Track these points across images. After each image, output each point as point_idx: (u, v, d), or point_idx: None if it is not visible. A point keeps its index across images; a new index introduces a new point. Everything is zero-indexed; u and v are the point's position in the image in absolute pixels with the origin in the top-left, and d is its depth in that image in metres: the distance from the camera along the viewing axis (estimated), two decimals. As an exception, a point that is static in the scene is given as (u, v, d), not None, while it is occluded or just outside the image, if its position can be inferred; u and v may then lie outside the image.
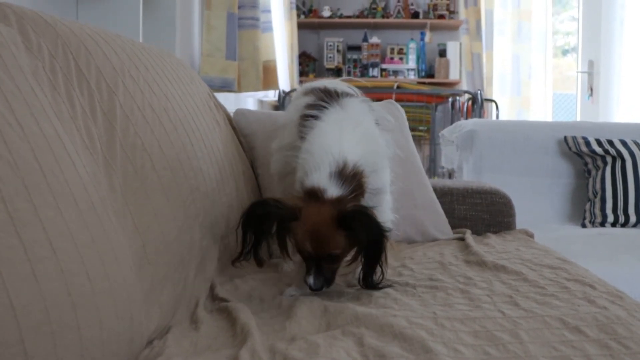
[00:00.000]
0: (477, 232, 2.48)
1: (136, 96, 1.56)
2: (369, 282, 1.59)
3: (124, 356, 1.16)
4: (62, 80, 1.34)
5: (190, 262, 1.57)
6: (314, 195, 1.54)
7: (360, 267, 1.60)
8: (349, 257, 1.61)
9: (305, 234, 1.52)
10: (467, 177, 3.73)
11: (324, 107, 1.74)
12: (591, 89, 6.58)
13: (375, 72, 7.52)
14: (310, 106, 1.80)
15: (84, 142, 1.31)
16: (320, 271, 1.56)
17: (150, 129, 1.54)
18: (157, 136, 1.56)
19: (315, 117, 1.71)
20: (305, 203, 1.54)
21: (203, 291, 1.61)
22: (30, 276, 0.94)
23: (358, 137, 1.66)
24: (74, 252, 1.05)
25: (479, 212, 2.54)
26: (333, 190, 1.54)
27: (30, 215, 0.99)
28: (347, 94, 1.85)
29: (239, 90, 4.22)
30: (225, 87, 4.03)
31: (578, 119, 6.69)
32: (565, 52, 10.02)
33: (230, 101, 4.24)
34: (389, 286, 1.63)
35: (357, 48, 7.63)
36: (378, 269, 1.58)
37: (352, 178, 1.57)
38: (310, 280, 1.55)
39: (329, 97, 1.79)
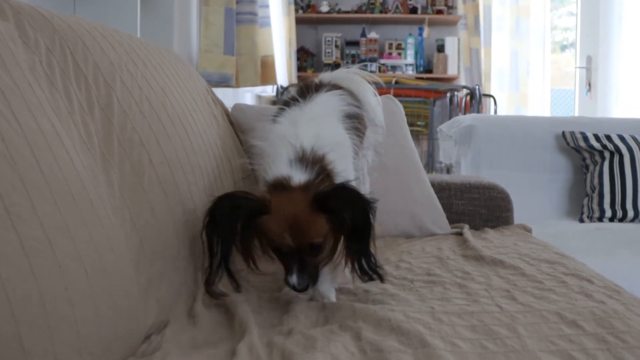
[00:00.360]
0: (475, 227, 2.48)
1: (134, 91, 1.56)
2: (363, 269, 1.44)
3: (121, 351, 1.16)
4: (59, 75, 1.34)
5: (188, 257, 1.57)
6: (279, 186, 1.43)
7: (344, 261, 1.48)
8: (326, 254, 1.48)
9: (282, 224, 1.39)
10: (465, 172, 3.73)
11: (287, 106, 1.67)
12: (589, 85, 6.58)
13: (373, 67, 7.52)
14: (278, 108, 1.76)
15: (82, 137, 1.31)
16: (303, 267, 1.42)
17: (148, 124, 1.54)
18: (154, 131, 1.56)
19: (274, 118, 1.68)
20: (272, 195, 1.42)
21: (201, 286, 1.61)
22: (27, 271, 0.94)
23: (312, 127, 1.54)
24: (71, 247, 1.05)
25: (477, 207, 2.54)
26: (298, 176, 1.43)
27: (27, 211, 0.99)
28: (329, 87, 1.75)
29: (237, 85, 4.22)
30: (223, 83, 4.03)
31: (576, 115, 6.70)
32: (563, 48, 10.02)
33: (229, 96, 4.24)
34: (381, 277, 1.46)
35: (356, 43, 7.63)
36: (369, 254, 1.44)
37: (314, 163, 1.45)
38: (294, 279, 1.41)
39: (301, 93, 1.70)
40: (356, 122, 1.72)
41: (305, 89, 1.72)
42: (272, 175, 1.45)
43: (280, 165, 1.45)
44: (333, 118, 1.65)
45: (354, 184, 1.47)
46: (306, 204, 1.39)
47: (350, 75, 1.96)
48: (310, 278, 1.43)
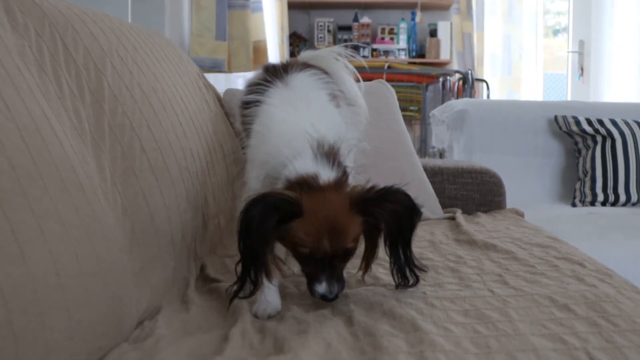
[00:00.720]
0: (467, 212, 2.48)
1: (124, 76, 1.55)
2: (403, 271, 1.39)
3: (114, 337, 1.16)
4: (49, 60, 1.33)
5: (180, 242, 1.57)
6: (305, 184, 1.30)
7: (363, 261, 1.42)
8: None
9: (320, 228, 1.27)
10: (458, 157, 3.73)
11: (264, 88, 1.56)
12: (582, 69, 6.58)
13: (366, 52, 7.50)
14: (248, 90, 1.64)
15: (72, 122, 1.31)
16: (333, 274, 1.31)
17: (139, 109, 1.54)
18: (145, 116, 1.55)
19: (256, 103, 1.54)
20: (302, 195, 1.28)
21: (194, 272, 1.61)
22: (18, 257, 0.94)
23: (317, 114, 1.46)
24: (62, 233, 1.05)
25: (470, 192, 2.55)
26: (326, 174, 1.32)
27: (17, 197, 0.98)
28: (298, 67, 1.65)
29: (229, 70, 4.21)
30: (215, 68, 4.02)
31: (569, 99, 6.70)
32: (556, 32, 10.01)
33: (221, 82, 4.23)
34: (417, 278, 1.42)
35: (348, 28, 7.60)
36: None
37: (334, 157, 1.36)
38: (324, 288, 1.31)
39: (271, 75, 1.61)
40: (337, 103, 1.64)
41: (272, 69, 1.65)
42: (296, 172, 1.32)
43: (306, 160, 1.33)
44: (325, 100, 1.57)
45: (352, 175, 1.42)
46: (344, 206, 1.30)
47: (325, 54, 1.87)
48: (339, 285, 1.33)
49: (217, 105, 2.24)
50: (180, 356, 1.11)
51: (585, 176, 3.49)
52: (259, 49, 4.39)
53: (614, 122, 3.53)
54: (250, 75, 1.75)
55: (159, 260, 1.45)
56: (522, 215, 2.44)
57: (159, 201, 1.49)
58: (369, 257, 1.42)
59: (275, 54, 5.76)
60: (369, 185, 1.33)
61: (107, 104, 1.44)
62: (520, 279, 1.50)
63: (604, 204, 3.44)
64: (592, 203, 3.44)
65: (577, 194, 3.50)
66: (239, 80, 5.21)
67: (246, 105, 1.60)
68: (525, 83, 7.32)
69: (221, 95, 2.38)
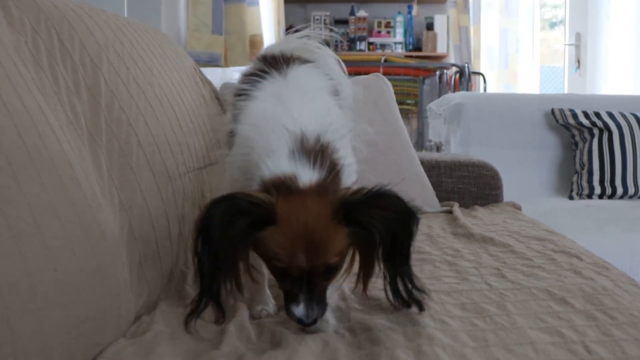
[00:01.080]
0: (464, 205, 2.48)
1: (121, 71, 1.55)
2: (397, 292, 1.20)
3: (111, 332, 1.16)
4: (45, 55, 1.33)
5: (177, 237, 1.57)
6: (282, 187, 1.11)
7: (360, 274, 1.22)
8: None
9: (294, 240, 1.09)
10: (455, 150, 3.73)
11: (258, 79, 1.39)
12: (578, 62, 6.58)
13: (362, 45, 7.50)
14: (244, 80, 1.47)
15: (68, 117, 1.30)
16: (311, 295, 1.13)
17: (135, 104, 1.53)
18: (142, 111, 1.55)
19: (247, 93, 1.38)
20: (277, 199, 1.10)
21: (191, 266, 1.61)
22: (15, 253, 0.94)
23: (308, 106, 1.27)
24: (59, 228, 1.04)
25: (467, 185, 2.55)
26: (306, 174, 1.13)
27: (14, 192, 0.98)
28: (300, 60, 1.49)
29: (226, 65, 4.20)
30: (212, 62, 4.02)
31: (565, 92, 6.70)
32: (552, 25, 10.00)
33: (217, 76, 4.22)
34: (419, 303, 1.22)
35: (344, 22, 7.60)
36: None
37: (321, 154, 1.15)
38: (300, 311, 1.13)
39: (269, 66, 1.43)
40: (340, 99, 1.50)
41: (272, 60, 1.47)
42: (270, 172, 1.14)
43: (280, 158, 1.15)
44: (324, 93, 1.41)
45: (354, 177, 1.27)
46: (325, 215, 1.10)
47: (302, 42, 1.69)
48: (319, 308, 1.14)
49: (214, 99, 2.24)
50: (178, 351, 1.11)
51: (583, 169, 3.49)
52: (256, 43, 4.38)
53: (610, 115, 3.53)
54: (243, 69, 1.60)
55: (156, 255, 1.45)
56: (519, 208, 2.45)
57: (156, 196, 1.49)
58: (365, 275, 1.21)
59: (271, 48, 5.74)
60: (354, 188, 1.14)
61: (103, 99, 1.43)
62: (518, 272, 1.50)
63: (601, 196, 3.44)
64: (590, 196, 3.45)
65: (574, 186, 3.51)
66: (236, 75, 5.20)
67: (238, 95, 1.44)
68: (522, 76, 7.32)
69: (217, 89, 2.38)
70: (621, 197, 3.45)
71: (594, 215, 3.02)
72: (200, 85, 2.12)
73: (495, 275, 1.49)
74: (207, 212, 1.07)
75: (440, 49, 7.49)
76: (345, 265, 1.19)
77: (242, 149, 1.28)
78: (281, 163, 1.14)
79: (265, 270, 1.29)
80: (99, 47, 1.51)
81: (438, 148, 4.20)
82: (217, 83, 2.42)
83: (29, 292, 0.94)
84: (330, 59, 1.69)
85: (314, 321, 1.13)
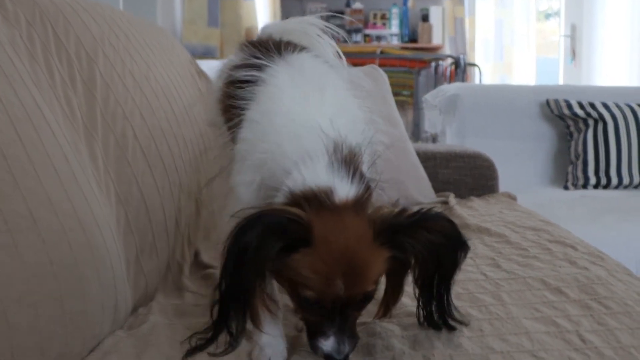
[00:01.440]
0: (460, 196, 2.49)
1: (116, 65, 1.55)
2: (432, 317, 1.11)
3: (108, 324, 1.16)
4: (40, 49, 1.33)
5: (174, 229, 1.57)
6: (315, 201, 0.97)
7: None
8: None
9: (335, 265, 0.95)
10: (451, 141, 3.73)
11: (263, 65, 1.20)
12: (574, 53, 6.58)
13: (358, 37, 7.49)
14: (239, 67, 1.28)
15: (64, 111, 1.30)
16: (344, 326, 0.99)
17: (131, 97, 1.53)
18: (138, 104, 1.55)
19: (252, 82, 1.19)
20: (312, 216, 0.96)
21: (188, 258, 1.62)
22: (11, 247, 0.94)
23: (334, 106, 1.11)
24: (55, 222, 1.05)
25: (462, 176, 2.55)
26: (344, 189, 0.99)
27: (10, 186, 0.99)
28: (295, 47, 1.29)
29: (222, 57, 4.21)
30: (208, 54, 4.02)
31: (561, 83, 6.70)
32: (548, 16, 10.00)
33: (213, 69, 4.22)
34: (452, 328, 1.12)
35: (340, 13, 7.60)
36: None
37: (355, 166, 1.03)
38: (331, 345, 0.98)
39: (263, 51, 1.26)
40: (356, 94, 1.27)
41: (262, 46, 1.30)
42: (303, 183, 0.99)
43: (318, 167, 1.00)
44: (342, 89, 1.22)
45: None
46: (367, 236, 0.98)
47: (304, 26, 1.50)
48: (351, 342, 1.00)
49: (210, 92, 2.24)
50: (174, 342, 1.11)
51: (578, 159, 3.49)
52: (251, 36, 4.38)
53: (605, 106, 3.54)
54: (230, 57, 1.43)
55: (152, 247, 1.45)
56: (514, 199, 2.45)
57: (152, 189, 1.49)
58: (389, 301, 1.13)
59: (267, 40, 5.75)
60: (397, 207, 1.02)
61: (99, 92, 1.43)
62: (513, 262, 1.51)
63: (596, 187, 3.44)
64: (584, 186, 3.45)
65: (570, 177, 3.51)
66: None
67: (236, 84, 1.23)
68: (518, 68, 7.33)
69: (213, 82, 2.38)
70: (616, 187, 3.45)
71: (589, 205, 3.02)
72: (196, 78, 2.12)
73: (490, 265, 1.49)
74: (242, 233, 0.93)
75: (436, 40, 7.49)
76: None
77: (256, 154, 1.10)
78: (319, 173, 1.00)
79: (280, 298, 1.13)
80: (95, 41, 1.51)
81: (434, 139, 4.20)
82: (213, 75, 2.41)
83: (25, 285, 0.95)
84: (329, 48, 1.50)
85: (346, 357, 0.99)
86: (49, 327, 0.98)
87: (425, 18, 7.61)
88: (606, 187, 3.44)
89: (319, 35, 1.49)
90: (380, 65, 3.03)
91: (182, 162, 1.68)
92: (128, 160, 1.44)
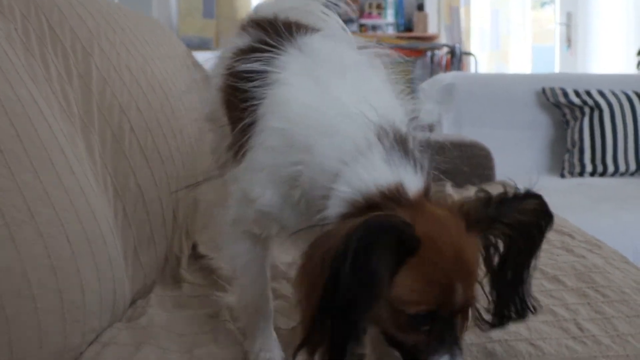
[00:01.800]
0: (457, 185, 2.48)
1: (112, 58, 1.55)
2: (508, 309, 0.98)
3: (106, 317, 1.16)
4: (35, 42, 1.32)
5: (171, 222, 1.57)
6: (389, 203, 0.85)
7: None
8: None
9: (451, 269, 0.83)
10: (447, 131, 3.73)
11: (269, 55, 1.06)
12: (569, 41, 6.58)
13: (354, 27, 7.48)
14: (245, 52, 1.14)
15: (60, 104, 1.30)
16: (457, 339, 0.86)
17: (127, 90, 1.53)
18: (134, 97, 1.55)
19: (261, 76, 1.04)
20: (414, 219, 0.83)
21: (185, 250, 1.62)
22: (8, 240, 0.94)
23: (364, 86, 1.00)
24: (53, 215, 1.05)
25: (459, 165, 2.55)
26: (412, 181, 0.89)
27: (7, 180, 0.99)
28: (306, 29, 1.16)
29: (217, 48, 4.20)
30: (204, 46, 4.01)
31: (557, 71, 6.70)
32: (543, 4, 9.98)
33: (209, 60, 4.22)
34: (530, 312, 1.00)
35: (335, 5, 7.57)
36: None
37: (409, 150, 0.93)
38: None
39: (273, 36, 1.12)
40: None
41: (271, 27, 1.16)
42: (363, 184, 0.87)
43: (376, 161, 0.88)
44: (373, 74, 1.07)
45: None
46: (465, 232, 0.88)
47: (304, 4, 1.33)
48: (462, 354, 0.86)
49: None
50: (172, 334, 1.12)
51: (574, 147, 3.50)
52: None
53: (601, 93, 3.54)
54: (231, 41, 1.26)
55: (150, 240, 1.45)
56: (511, 187, 2.45)
57: (149, 181, 1.49)
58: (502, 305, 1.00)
59: (262, 31, 5.74)
60: (478, 194, 0.93)
61: (95, 86, 1.43)
62: (510, 251, 1.51)
63: (592, 174, 3.45)
64: (581, 174, 3.45)
65: (566, 165, 3.51)
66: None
67: (242, 75, 1.08)
68: (514, 56, 7.32)
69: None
70: (612, 175, 3.45)
71: (585, 193, 3.03)
72: (192, 71, 2.12)
73: (487, 254, 1.49)
74: (353, 236, 0.76)
75: (432, 29, 7.49)
76: None
77: (287, 167, 0.97)
78: (378, 168, 0.87)
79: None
80: (90, 34, 1.51)
81: (430, 128, 4.20)
82: (208, 67, 2.41)
83: (23, 278, 0.95)
84: (338, 26, 1.33)
85: None
86: (47, 320, 0.98)
87: (420, 7, 7.61)
88: (602, 174, 3.44)
89: (323, 12, 1.33)
90: (376, 55, 3.01)
91: (180, 154, 1.67)
92: (125, 153, 1.44)
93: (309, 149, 0.93)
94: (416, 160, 0.91)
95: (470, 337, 1.07)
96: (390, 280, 0.81)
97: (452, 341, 0.84)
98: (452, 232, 0.85)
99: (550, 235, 1.58)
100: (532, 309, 0.99)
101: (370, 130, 0.89)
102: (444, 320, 0.84)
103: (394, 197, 0.85)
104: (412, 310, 0.83)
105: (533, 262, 0.97)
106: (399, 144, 0.90)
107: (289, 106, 0.99)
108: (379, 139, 0.89)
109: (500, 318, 0.98)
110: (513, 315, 0.98)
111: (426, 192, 0.90)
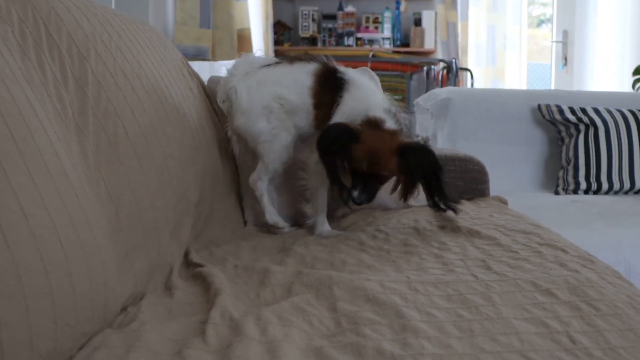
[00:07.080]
0: (451, 199, 2.49)
1: (108, 62, 1.55)
2: (437, 204, 1.90)
3: (98, 322, 1.16)
4: (32, 45, 1.33)
5: (164, 228, 1.57)
6: (374, 124, 1.82)
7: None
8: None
9: (365, 153, 1.77)
10: (442, 145, 3.74)
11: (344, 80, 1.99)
12: (565, 59, 6.61)
13: (350, 41, 7.51)
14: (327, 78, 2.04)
15: (55, 108, 1.30)
16: (365, 188, 1.80)
17: (122, 96, 1.53)
18: (129, 103, 1.55)
19: (343, 80, 1.97)
20: (365, 130, 1.80)
21: (177, 258, 1.61)
22: (1, 243, 0.94)
23: (377, 91, 2.04)
24: (46, 218, 1.04)
25: (453, 179, 2.55)
26: (390, 123, 1.84)
27: (1, 182, 0.98)
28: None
29: (213, 58, 4.21)
30: (200, 56, 4.02)
31: (552, 89, 6.72)
32: (540, 23, 10.04)
33: (205, 70, 4.22)
34: (454, 209, 1.92)
35: (332, 17, 7.60)
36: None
37: (397, 118, 1.87)
38: (355, 193, 1.79)
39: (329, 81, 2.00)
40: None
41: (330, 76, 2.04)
42: (371, 115, 1.84)
43: (379, 113, 1.85)
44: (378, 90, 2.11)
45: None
46: (391, 145, 1.79)
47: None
48: (368, 197, 1.82)
49: (202, 92, 2.23)
50: (163, 339, 1.11)
51: (568, 164, 3.51)
52: (243, 37, 4.38)
53: (596, 111, 3.55)
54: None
55: (143, 246, 1.45)
56: (505, 202, 2.45)
57: (143, 187, 1.49)
58: (405, 193, 1.90)
59: (259, 42, 5.75)
60: (416, 139, 1.83)
61: (90, 89, 1.43)
62: (504, 264, 1.51)
63: (586, 192, 3.46)
64: (575, 191, 3.46)
65: (560, 182, 3.52)
66: (223, 69, 5.19)
67: (329, 80, 2.01)
68: (510, 73, 7.35)
69: (205, 82, 2.38)
70: (607, 193, 3.47)
71: (579, 210, 3.03)
72: (187, 78, 2.12)
73: (481, 267, 1.49)
74: (327, 132, 1.83)
75: (428, 44, 7.51)
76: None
77: (352, 107, 1.91)
78: (379, 114, 1.86)
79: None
80: (87, 39, 1.51)
81: (425, 142, 4.21)
82: (204, 77, 2.42)
83: (15, 281, 0.94)
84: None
85: (362, 202, 1.82)
86: (38, 323, 0.97)
87: (417, 22, 7.63)
88: (597, 192, 3.46)
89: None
90: (372, 69, 3.02)
91: (173, 160, 1.67)
92: (119, 158, 1.43)
93: (361, 102, 1.91)
94: (397, 119, 1.88)
95: (464, 347, 1.07)
96: (348, 149, 1.78)
97: (362, 188, 1.80)
98: (381, 141, 1.80)
99: (544, 249, 1.60)
100: (453, 209, 1.93)
101: (380, 101, 1.93)
102: (360, 177, 1.80)
103: (376, 122, 1.84)
104: (349, 164, 1.81)
105: (438, 184, 1.87)
106: (393, 114, 1.89)
107: (358, 91, 1.96)
108: (382, 104, 1.91)
109: (437, 208, 1.92)
110: (443, 207, 1.91)
111: (395, 129, 1.85)
